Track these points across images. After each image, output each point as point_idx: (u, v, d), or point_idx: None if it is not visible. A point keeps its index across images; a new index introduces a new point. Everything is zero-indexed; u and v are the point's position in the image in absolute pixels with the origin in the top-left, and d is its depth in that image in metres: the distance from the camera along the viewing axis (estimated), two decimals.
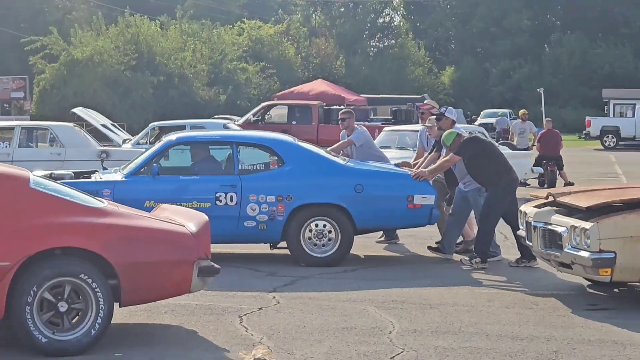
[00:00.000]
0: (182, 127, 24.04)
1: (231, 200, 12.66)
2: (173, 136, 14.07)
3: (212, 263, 8.81)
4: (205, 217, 9.22)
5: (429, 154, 14.10)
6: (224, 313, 9.97)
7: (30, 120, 40.73)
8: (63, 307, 8.25)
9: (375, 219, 13.05)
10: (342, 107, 35.60)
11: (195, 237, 8.70)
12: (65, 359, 8.12)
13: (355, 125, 15.18)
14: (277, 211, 12.72)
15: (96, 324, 8.28)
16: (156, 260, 8.53)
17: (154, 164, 12.85)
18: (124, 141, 24.61)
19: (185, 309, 10.07)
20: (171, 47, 57.50)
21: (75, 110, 28.22)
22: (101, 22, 56.12)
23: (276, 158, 13.21)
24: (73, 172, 13.15)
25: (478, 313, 10.06)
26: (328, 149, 14.87)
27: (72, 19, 62.53)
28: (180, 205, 11.42)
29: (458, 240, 14.04)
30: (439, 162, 13.24)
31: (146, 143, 22.49)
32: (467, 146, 12.78)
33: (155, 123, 27.00)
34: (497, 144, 23.09)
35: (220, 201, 12.65)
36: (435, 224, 13.76)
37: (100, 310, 8.28)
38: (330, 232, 12.87)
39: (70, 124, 23.43)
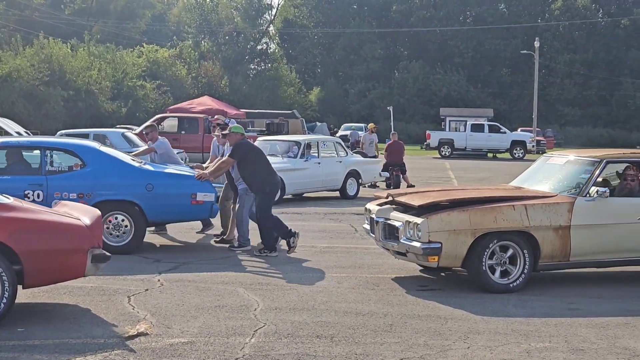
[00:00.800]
0: (85, 135, 23.58)
1: (38, 197, 12.37)
2: None
3: (104, 251, 8.68)
4: (98, 212, 9.08)
5: (218, 159, 14.13)
6: (114, 294, 9.82)
7: None
8: None
9: (164, 213, 13.00)
10: (227, 119, 35.43)
11: (89, 229, 8.56)
12: None
13: (158, 137, 15.33)
14: None
15: (1, 304, 8.07)
16: (55, 249, 8.37)
17: None
18: None
19: (81, 290, 9.89)
20: (80, 66, 56.43)
21: None
22: (19, 43, 54.74)
23: (79, 161, 12.92)
24: None
25: (329, 293, 10.11)
26: (132, 154, 14.88)
27: None
28: None
29: (219, 232, 14.36)
30: (217, 164, 13.34)
31: None
32: (238, 150, 12.84)
33: (63, 131, 26.43)
34: (351, 152, 23.29)
35: (29, 198, 12.28)
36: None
37: (5, 292, 8.08)
38: (125, 224, 12.77)
39: None
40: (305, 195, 22.35)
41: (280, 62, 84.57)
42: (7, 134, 26.44)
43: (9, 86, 50.36)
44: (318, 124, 53.39)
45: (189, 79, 71.30)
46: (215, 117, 15.84)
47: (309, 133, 40.64)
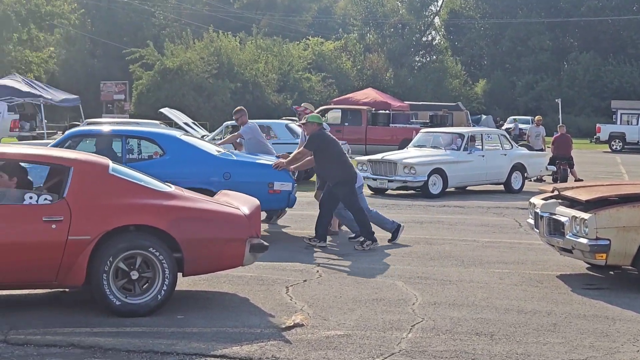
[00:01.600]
0: None
1: None
2: (76, 129, 14.25)
3: (262, 241, 8.68)
4: (257, 202, 9.10)
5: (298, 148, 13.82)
6: (273, 284, 9.83)
7: (129, 118, 40.83)
8: (135, 275, 8.17)
9: None
10: (387, 111, 35.30)
11: (248, 218, 8.57)
12: (135, 319, 8.04)
13: (248, 121, 15.32)
14: None
15: (162, 291, 8.19)
16: (214, 237, 8.43)
17: None
18: (202, 137, 24.49)
19: (241, 279, 9.95)
20: (247, 59, 57.53)
21: (162, 110, 28.24)
22: (190, 37, 56.27)
23: (158, 149, 12.99)
24: None
25: (490, 289, 9.81)
26: (220, 142, 15.04)
27: (165, 34, 62.78)
28: None
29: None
30: (293, 154, 13.06)
31: (220, 139, 22.41)
32: (313, 141, 12.54)
33: (228, 122, 26.88)
34: (516, 145, 22.70)
35: None
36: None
37: (166, 279, 8.19)
38: None
39: (158, 122, 23.41)
40: (468, 188, 21.95)
41: (446, 54, 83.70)
42: (175, 125, 27.16)
43: (180, 79, 51.92)
44: (483, 116, 52.55)
45: (354, 72, 71.56)
46: (302, 105, 15.73)
47: (473, 125, 40.05)
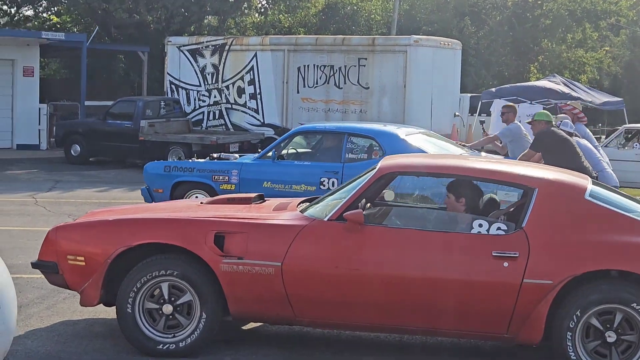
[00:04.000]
0: None
1: (333, 186, 11.50)
2: (301, 127, 13.94)
3: None
4: None
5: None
6: None
7: None
8: (611, 337, 6.18)
9: None
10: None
11: None
12: None
13: (515, 121, 13.49)
14: None
15: None
16: None
17: (274, 150, 12.18)
18: None
19: None
20: None
21: None
22: None
23: (378, 148, 11.88)
24: (238, 155, 13.21)
25: None
26: (471, 144, 14.18)
27: None
28: (290, 187, 11.57)
29: None
30: (520, 156, 11.31)
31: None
32: (540, 140, 10.88)
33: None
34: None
35: (324, 186, 11.59)
36: None
37: None
38: None
39: None
40: None
41: None
42: None
43: None
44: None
45: None
46: (568, 103, 12.19)
47: None
